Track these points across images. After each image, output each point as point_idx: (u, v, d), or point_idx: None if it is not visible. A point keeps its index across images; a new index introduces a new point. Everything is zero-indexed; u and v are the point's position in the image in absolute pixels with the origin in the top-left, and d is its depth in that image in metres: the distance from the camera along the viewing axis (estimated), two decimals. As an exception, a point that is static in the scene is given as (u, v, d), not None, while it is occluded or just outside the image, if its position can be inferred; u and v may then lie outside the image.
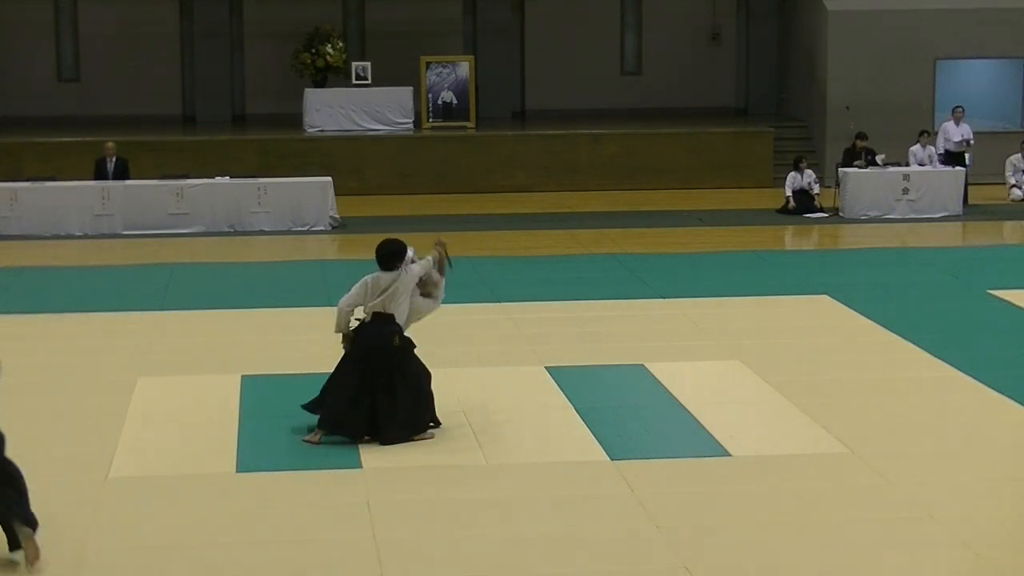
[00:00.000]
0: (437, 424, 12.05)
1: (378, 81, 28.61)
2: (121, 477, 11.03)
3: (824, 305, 17.18)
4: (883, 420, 12.43)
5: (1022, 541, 9.87)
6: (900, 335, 15.49)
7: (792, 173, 24.66)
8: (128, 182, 23.58)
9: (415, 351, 12.04)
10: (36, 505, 10.45)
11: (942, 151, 25.55)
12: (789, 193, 24.54)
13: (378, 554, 9.46)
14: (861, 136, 25.16)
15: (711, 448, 11.69)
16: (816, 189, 24.65)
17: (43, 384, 13.71)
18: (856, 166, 24.60)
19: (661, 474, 11.05)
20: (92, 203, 23.01)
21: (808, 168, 24.73)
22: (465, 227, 23.22)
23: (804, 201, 24.54)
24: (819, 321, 16.38)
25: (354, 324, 12.02)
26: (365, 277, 12.08)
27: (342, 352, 12.21)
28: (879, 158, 24.79)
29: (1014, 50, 28.62)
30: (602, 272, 19.42)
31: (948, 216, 24.32)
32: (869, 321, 16.21)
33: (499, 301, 17.36)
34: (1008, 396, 13.10)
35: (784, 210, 24.54)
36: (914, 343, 15.13)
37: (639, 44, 31.51)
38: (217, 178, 23.67)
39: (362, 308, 12.06)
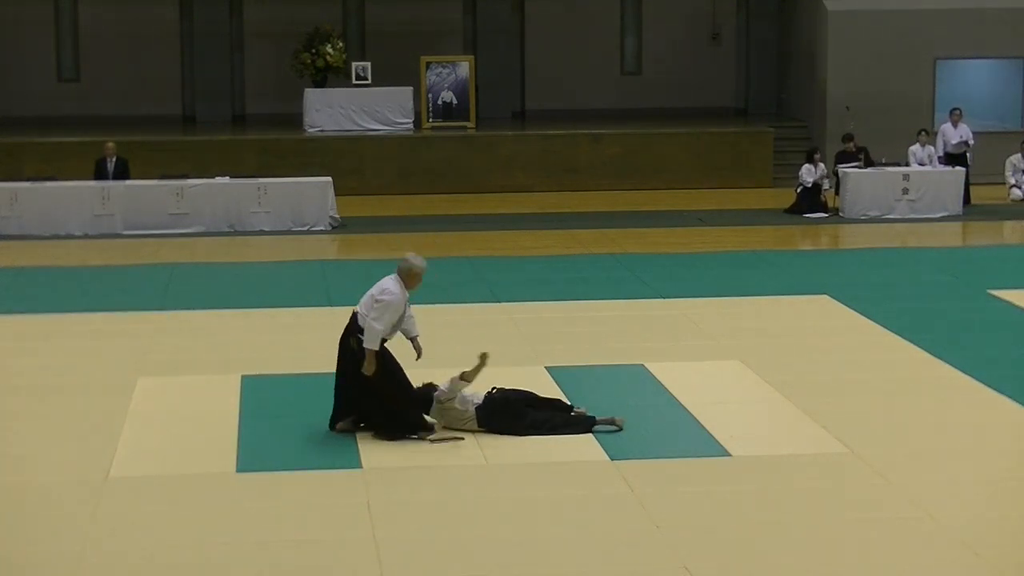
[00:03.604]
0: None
1: (378, 81, 28.59)
2: (121, 477, 11.03)
3: (824, 305, 17.17)
4: (883, 420, 12.44)
5: (1022, 541, 9.87)
6: (900, 335, 15.49)
7: (807, 165, 24.60)
8: (128, 182, 23.57)
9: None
10: (36, 505, 10.47)
11: (941, 154, 25.54)
12: (809, 183, 24.35)
13: (378, 554, 9.46)
14: (848, 137, 25.21)
15: (711, 448, 11.70)
16: (826, 184, 24.63)
17: (43, 384, 13.71)
18: (856, 166, 24.60)
19: (661, 474, 11.06)
20: (92, 203, 23.00)
21: (821, 162, 24.68)
22: (465, 227, 23.23)
23: (810, 198, 24.48)
24: (819, 321, 16.39)
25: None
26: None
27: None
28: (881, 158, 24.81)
29: (1014, 50, 28.61)
30: (602, 272, 19.42)
31: (948, 216, 24.31)
32: (869, 321, 16.21)
33: (499, 301, 17.36)
34: (1008, 396, 13.11)
35: (794, 208, 24.44)
36: (914, 343, 15.13)
37: (639, 44, 31.50)
38: (217, 178, 23.66)
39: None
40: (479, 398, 12.07)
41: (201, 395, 13.29)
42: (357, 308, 11.98)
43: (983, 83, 29.06)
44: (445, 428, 12.03)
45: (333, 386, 12.22)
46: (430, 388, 12.19)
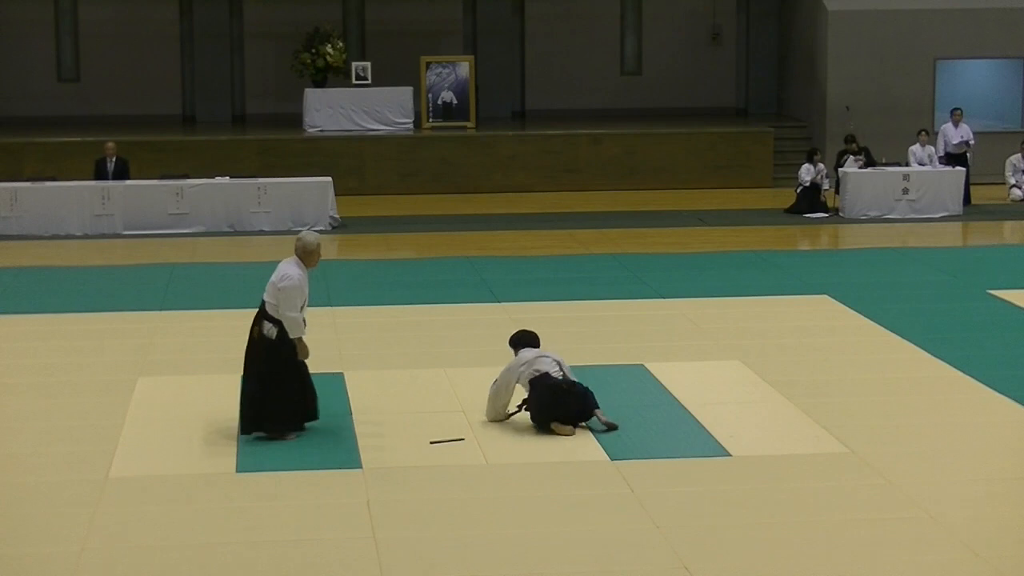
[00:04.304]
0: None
1: (378, 81, 28.59)
2: (121, 477, 11.03)
3: (824, 305, 17.17)
4: (883, 420, 12.44)
5: (1022, 541, 9.87)
6: (900, 335, 15.49)
7: (806, 165, 24.62)
8: (128, 182, 23.57)
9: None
10: (36, 505, 10.47)
11: (942, 154, 25.55)
12: (807, 181, 24.38)
13: (378, 554, 9.46)
14: (850, 139, 25.23)
15: (711, 448, 11.70)
16: (826, 184, 24.65)
17: (43, 384, 13.71)
18: (859, 159, 24.63)
19: (661, 474, 11.05)
20: (92, 203, 23.00)
21: (821, 162, 24.69)
22: (465, 227, 23.23)
23: (811, 197, 24.49)
24: (819, 321, 16.38)
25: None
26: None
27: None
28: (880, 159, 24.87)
29: (1014, 50, 28.62)
30: (602, 272, 19.42)
31: (948, 216, 24.31)
32: (869, 321, 16.21)
33: (499, 301, 17.36)
34: (1008, 396, 13.11)
35: (794, 208, 24.46)
36: (914, 343, 15.13)
37: (639, 44, 31.50)
38: (217, 178, 23.66)
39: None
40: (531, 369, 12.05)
41: (201, 395, 13.28)
42: (264, 296, 11.95)
43: (983, 83, 29.06)
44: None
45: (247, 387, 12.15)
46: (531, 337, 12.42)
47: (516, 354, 12.36)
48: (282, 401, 11.85)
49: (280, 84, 30.06)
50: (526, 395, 12.10)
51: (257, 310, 11.94)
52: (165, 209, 23.08)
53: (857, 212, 24.27)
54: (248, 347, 12.06)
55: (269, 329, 11.79)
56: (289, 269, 11.78)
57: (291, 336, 11.75)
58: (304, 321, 11.85)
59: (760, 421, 12.52)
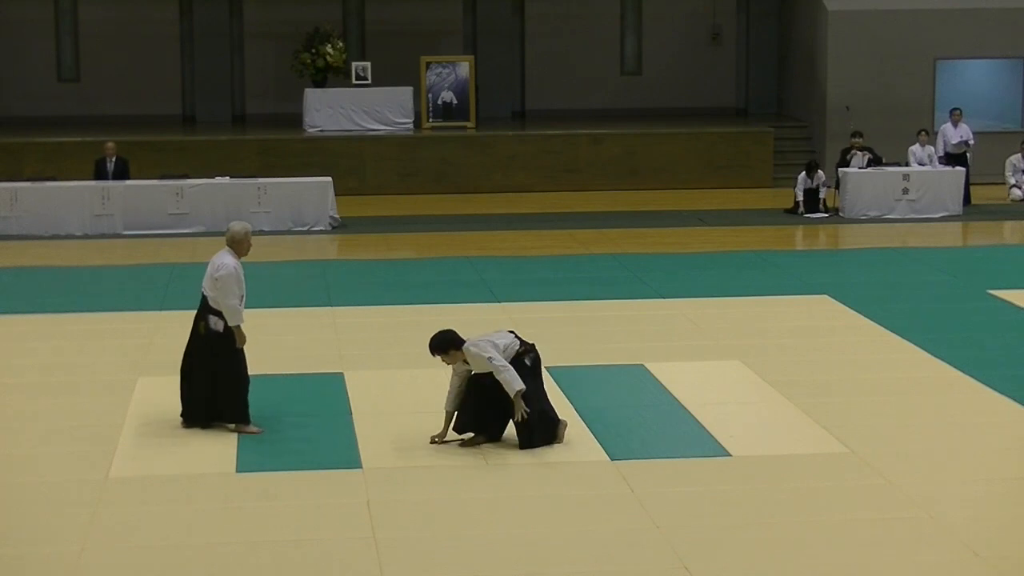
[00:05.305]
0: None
1: (378, 81, 28.59)
2: (121, 477, 11.04)
3: (824, 305, 17.18)
4: (883, 420, 12.44)
5: (1022, 541, 9.87)
6: (900, 335, 15.49)
7: (802, 175, 24.60)
8: (128, 182, 23.57)
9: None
10: (36, 505, 10.48)
11: (942, 154, 25.56)
12: (800, 197, 24.45)
13: (378, 554, 9.46)
14: (856, 135, 25.21)
15: (711, 448, 11.70)
16: (823, 192, 24.61)
17: (43, 384, 13.71)
18: (867, 152, 24.64)
19: (661, 474, 11.06)
20: (92, 203, 23.00)
21: (819, 171, 24.66)
22: (465, 227, 23.23)
23: (810, 199, 24.48)
24: (819, 321, 16.39)
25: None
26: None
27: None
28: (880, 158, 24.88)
29: (1014, 50, 28.61)
30: (602, 272, 19.42)
31: (948, 216, 24.31)
32: (869, 321, 16.21)
33: (499, 301, 17.36)
34: (1008, 396, 13.11)
35: (793, 210, 24.48)
36: (914, 343, 15.13)
37: (639, 44, 31.49)
38: (217, 178, 23.66)
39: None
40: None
41: (201, 395, 13.26)
42: (204, 291, 12.05)
43: (983, 83, 29.06)
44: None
45: (190, 380, 12.24)
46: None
47: (467, 350, 11.59)
48: (246, 390, 12.02)
49: (280, 84, 30.06)
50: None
51: (198, 307, 12.09)
52: (165, 209, 23.08)
53: (857, 212, 24.27)
54: (191, 344, 12.21)
55: (215, 323, 11.94)
56: (224, 259, 11.97)
57: (230, 323, 11.89)
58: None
59: (760, 421, 12.52)
